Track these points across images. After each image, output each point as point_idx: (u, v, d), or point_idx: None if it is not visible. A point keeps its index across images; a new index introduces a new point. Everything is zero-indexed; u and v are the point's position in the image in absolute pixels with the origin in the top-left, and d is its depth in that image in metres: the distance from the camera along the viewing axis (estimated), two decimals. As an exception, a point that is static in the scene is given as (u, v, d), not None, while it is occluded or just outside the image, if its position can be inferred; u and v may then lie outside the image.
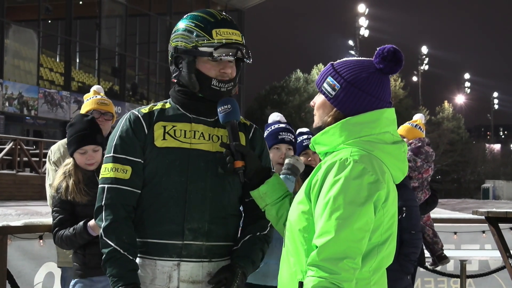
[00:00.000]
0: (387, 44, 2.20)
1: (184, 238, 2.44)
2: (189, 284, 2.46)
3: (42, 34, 29.98)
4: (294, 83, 45.21)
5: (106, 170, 2.48)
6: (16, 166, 18.95)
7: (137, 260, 2.47)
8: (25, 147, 19.56)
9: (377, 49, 2.16)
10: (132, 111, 2.57)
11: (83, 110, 4.51)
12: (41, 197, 17.64)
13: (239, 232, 2.60)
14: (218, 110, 2.45)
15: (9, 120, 27.12)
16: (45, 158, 18.72)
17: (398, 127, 5.52)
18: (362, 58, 2.23)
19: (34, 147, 22.17)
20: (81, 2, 31.79)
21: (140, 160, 2.47)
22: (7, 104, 26.28)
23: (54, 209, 3.59)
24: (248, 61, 2.56)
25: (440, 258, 5.61)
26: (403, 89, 50.82)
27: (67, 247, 3.58)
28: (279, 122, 3.87)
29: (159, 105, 2.58)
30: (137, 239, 2.47)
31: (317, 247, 2.00)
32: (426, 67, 59.40)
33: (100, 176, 2.51)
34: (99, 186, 2.50)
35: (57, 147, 4.46)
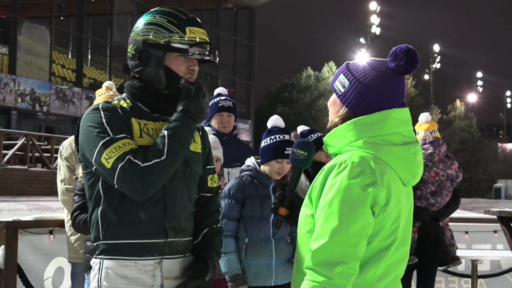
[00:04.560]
0: (398, 41, 2.18)
1: (167, 236, 2.44)
2: (171, 280, 2.46)
3: (55, 30, 30.10)
4: (305, 81, 45.16)
5: (119, 148, 2.31)
6: (27, 162, 19.03)
7: (114, 262, 2.41)
8: (36, 143, 19.64)
9: (392, 48, 2.13)
10: (101, 103, 2.47)
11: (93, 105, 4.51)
12: (52, 192, 17.71)
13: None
14: (293, 150, 2.32)
15: (21, 116, 27.25)
16: (57, 153, 18.73)
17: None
18: (379, 59, 2.19)
19: (46, 142, 22.25)
20: (93, -1, 31.91)
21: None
22: (19, 100, 26.41)
23: (77, 193, 3.58)
24: (216, 62, 2.56)
25: (453, 259, 5.57)
26: (415, 87, 50.69)
27: (87, 231, 3.58)
28: (282, 133, 3.87)
29: (122, 102, 2.50)
30: (114, 241, 2.41)
31: (312, 251, 1.99)
32: (438, 66, 59.25)
33: (112, 158, 2.29)
34: (121, 163, 2.28)
35: (69, 143, 4.46)
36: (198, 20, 2.54)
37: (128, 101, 2.51)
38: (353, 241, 1.95)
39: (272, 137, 3.87)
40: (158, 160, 2.31)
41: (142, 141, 2.41)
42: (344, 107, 2.14)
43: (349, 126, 2.09)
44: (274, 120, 3.95)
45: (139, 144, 2.39)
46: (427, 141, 5.51)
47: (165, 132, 2.37)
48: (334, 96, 2.18)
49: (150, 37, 2.46)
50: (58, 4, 29.04)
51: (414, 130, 5.64)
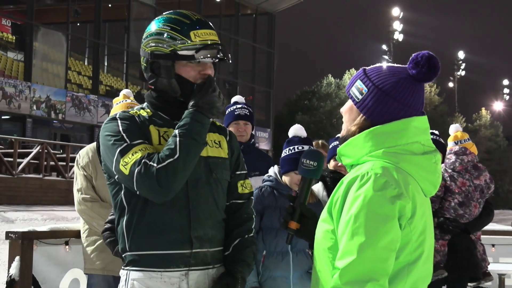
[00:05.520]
0: (422, 48, 2.14)
1: (192, 246, 2.43)
2: None
3: (71, 37, 30.36)
4: (326, 88, 45.11)
5: (136, 153, 2.32)
6: (42, 170, 19.17)
7: (141, 274, 2.43)
8: (52, 151, 19.80)
9: (412, 54, 2.08)
10: (119, 112, 2.51)
11: (112, 114, 4.53)
12: (68, 202, 17.84)
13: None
14: (302, 161, 2.30)
15: (36, 124, 27.50)
16: (72, 162, 18.99)
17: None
18: (397, 65, 2.15)
19: (61, 151, 22.45)
20: (110, 5, 32.14)
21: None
22: (34, 107, 26.66)
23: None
24: (228, 61, 2.54)
25: (484, 275, 5.50)
26: (439, 95, 50.38)
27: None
28: (302, 144, 3.88)
29: (142, 111, 2.53)
30: (140, 252, 2.42)
31: (339, 269, 1.92)
32: (463, 73, 58.82)
33: (130, 163, 2.31)
34: (137, 168, 2.29)
35: (86, 152, 4.49)
36: (205, 20, 2.52)
37: (148, 110, 2.54)
38: (383, 256, 1.89)
39: (291, 147, 3.88)
40: (171, 159, 2.31)
41: (161, 148, 2.41)
42: (361, 115, 2.09)
43: (368, 135, 2.05)
44: (295, 130, 3.96)
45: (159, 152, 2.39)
46: (452, 151, 5.50)
47: (177, 131, 2.38)
48: (350, 103, 2.14)
49: (156, 47, 2.47)
50: (75, 10, 29.31)
51: (446, 142, 5.65)
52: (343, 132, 2.18)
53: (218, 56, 2.48)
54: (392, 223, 1.92)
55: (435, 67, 2.06)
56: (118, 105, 4.53)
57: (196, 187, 2.45)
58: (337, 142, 4.48)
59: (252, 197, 2.69)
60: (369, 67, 2.15)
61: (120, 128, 2.41)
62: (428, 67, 2.05)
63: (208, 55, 2.45)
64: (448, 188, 5.34)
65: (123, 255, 2.48)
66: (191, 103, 2.42)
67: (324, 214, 2.10)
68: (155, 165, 2.30)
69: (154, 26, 2.51)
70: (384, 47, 49.08)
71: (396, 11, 48.47)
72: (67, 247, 4.84)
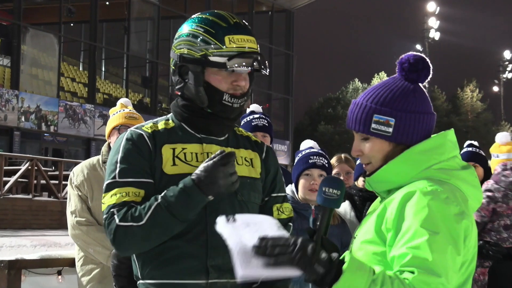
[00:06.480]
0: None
1: (209, 276, 2.44)
2: None
3: (64, 39, 30.64)
4: (352, 95, 45.13)
5: (113, 196, 2.40)
6: (32, 190, 19.26)
7: None
8: (42, 168, 19.88)
9: (397, 63, 2.24)
10: (132, 128, 2.55)
11: (109, 126, 4.55)
12: (60, 225, 17.89)
13: None
14: (323, 189, 2.29)
15: (25, 137, 27.70)
16: (65, 180, 19.01)
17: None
18: (385, 80, 2.27)
19: (53, 168, 22.55)
20: (107, 3, 32.43)
21: (151, 180, 2.45)
22: (23, 118, 26.87)
23: None
24: (265, 72, 2.54)
25: None
26: (482, 101, 50.26)
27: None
28: (311, 148, 4.00)
29: (162, 124, 2.56)
30: (152, 281, 2.46)
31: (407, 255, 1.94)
32: (510, 75, 58.61)
33: (104, 205, 2.42)
34: (105, 215, 2.41)
35: (81, 169, 4.50)
36: (244, 24, 2.55)
37: (170, 121, 2.57)
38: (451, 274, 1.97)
39: (299, 154, 4.01)
40: (134, 224, 2.35)
41: (175, 169, 2.43)
42: (395, 145, 2.19)
43: (408, 156, 2.15)
44: (306, 145, 4.06)
45: (171, 173, 2.42)
46: (508, 166, 5.36)
47: (160, 195, 2.37)
48: (374, 142, 2.21)
49: (186, 50, 2.50)
50: (68, 9, 29.59)
51: (488, 153, 5.58)
52: (376, 163, 2.22)
53: (254, 65, 2.48)
54: (459, 245, 1.99)
55: (428, 66, 2.24)
56: (115, 116, 4.54)
57: (217, 210, 2.43)
58: None
59: (291, 223, 2.67)
60: (365, 98, 2.24)
61: (119, 155, 2.46)
62: (425, 68, 2.23)
63: (243, 64, 2.46)
64: (496, 211, 5.26)
65: (137, 283, 2.53)
66: (195, 171, 2.40)
67: (369, 234, 2.15)
68: (117, 221, 2.36)
69: (186, 26, 2.54)
70: (419, 47, 49.06)
71: (431, 6, 48.50)
72: (59, 277, 4.85)
